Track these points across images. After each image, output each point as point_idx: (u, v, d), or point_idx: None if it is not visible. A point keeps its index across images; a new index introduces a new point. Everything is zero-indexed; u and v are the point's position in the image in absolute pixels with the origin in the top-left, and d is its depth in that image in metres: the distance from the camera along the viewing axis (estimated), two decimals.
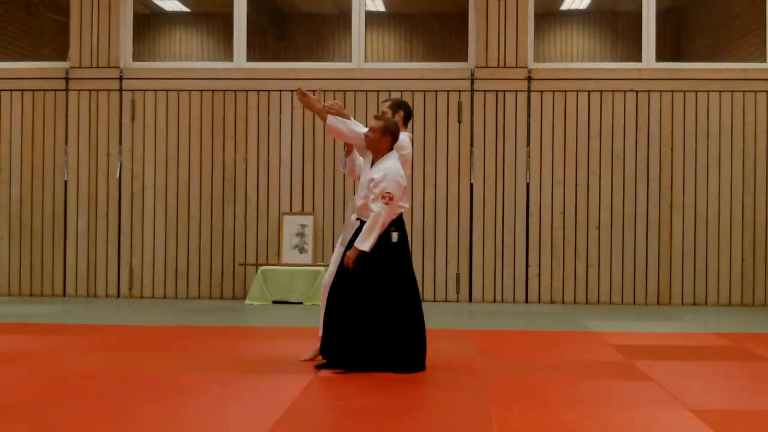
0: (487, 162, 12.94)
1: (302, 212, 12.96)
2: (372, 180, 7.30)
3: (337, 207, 13.05)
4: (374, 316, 7.26)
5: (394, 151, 7.43)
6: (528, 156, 12.93)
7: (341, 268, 7.39)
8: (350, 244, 7.36)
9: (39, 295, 13.27)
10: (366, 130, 7.41)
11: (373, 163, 7.43)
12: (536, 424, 5.70)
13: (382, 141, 7.36)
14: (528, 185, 12.93)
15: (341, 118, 7.50)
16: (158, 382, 7.03)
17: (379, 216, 7.20)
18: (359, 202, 7.41)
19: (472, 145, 12.94)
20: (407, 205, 7.51)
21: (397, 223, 7.37)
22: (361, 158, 7.70)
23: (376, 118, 7.48)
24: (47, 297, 13.20)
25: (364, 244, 7.19)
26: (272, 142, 13.17)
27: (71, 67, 13.32)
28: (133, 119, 13.24)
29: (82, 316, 11.12)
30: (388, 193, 7.22)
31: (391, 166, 7.34)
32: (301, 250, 12.76)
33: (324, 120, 7.51)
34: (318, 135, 13.10)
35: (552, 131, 12.94)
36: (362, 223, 7.34)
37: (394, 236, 7.33)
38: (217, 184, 13.17)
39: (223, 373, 7.35)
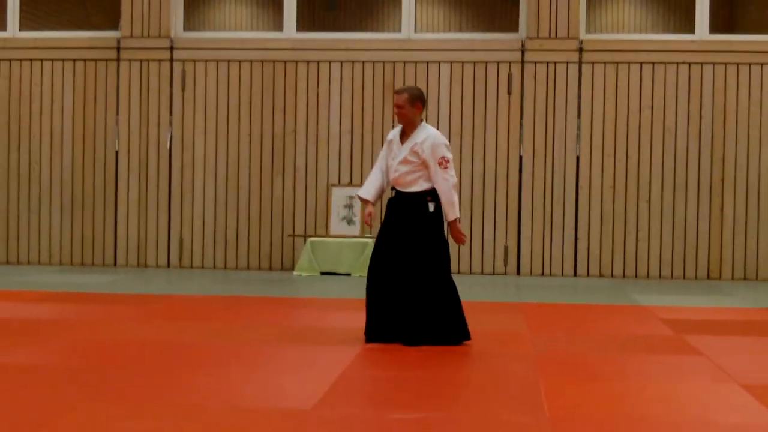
0: (536, 134, 12.87)
1: (350, 184, 12.97)
2: (415, 144, 7.36)
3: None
4: (415, 287, 7.30)
5: (427, 125, 7.50)
6: (578, 128, 12.85)
7: (379, 242, 7.49)
8: (395, 221, 7.44)
9: (90, 264, 13.41)
10: (449, 180, 7.37)
11: (406, 136, 7.47)
12: (586, 398, 5.70)
13: (413, 110, 7.42)
14: (578, 158, 12.85)
15: (453, 205, 7.38)
16: (210, 352, 7.10)
17: (448, 183, 7.32)
18: (395, 174, 7.48)
19: (521, 117, 12.87)
20: None
21: (433, 194, 7.38)
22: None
23: (397, 92, 7.50)
24: (98, 267, 13.34)
25: (453, 212, 7.33)
26: (321, 114, 13.18)
27: (122, 37, 13.40)
28: (183, 90, 13.30)
29: (133, 286, 11.24)
30: (442, 157, 7.32)
31: (430, 132, 7.42)
32: (350, 222, 12.79)
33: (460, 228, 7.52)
34: (366, 107, 13.10)
35: (603, 103, 12.84)
36: (398, 193, 7.45)
37: (431, 206, 7.38)
38: (267, 155, 13.22)
39: (274, 344, 7.40)
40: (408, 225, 7.39)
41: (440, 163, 7.33)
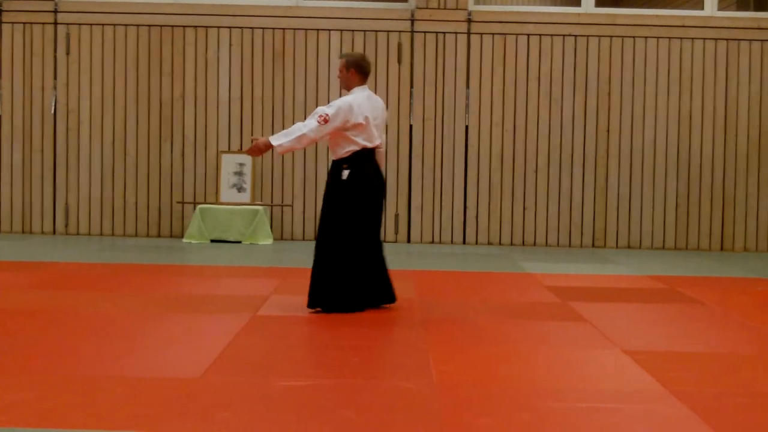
0: (426, 103, 12.95)
1: (240, 151, 12.88)
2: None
3: None
4: (321, 253, 7.40)
5: (363, 87, 7.52)
6: (467, 98, 12.96)
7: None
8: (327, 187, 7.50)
9: None
10: (307, 124, 7.33)
11: None
12: (472, 364, 5.77)
13: (348, 76, 7.51)
14: (467, 127, 12.97)
15: (284, 137, 7.34)
16: (95, 320, 6.99)
17: (304, 126, 7.27)
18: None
19: (411, 87, 12.92)
20: (368, 145, 7.44)
21: (350, 161, 7.39)
22: None
23: (339, 57, 7.67)
24: None
25: (276, 139, 7.27)
26: (210, 80, 13.04)
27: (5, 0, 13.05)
28: (68, 53, 13.01)
29: (16, 253, 11.00)
30: (325, 114, 7.27)
31: (345, 97, 7.44)
32: (240, 189, 12.70)
33: (265, 150, 7.43)
34: (256, 74, 13.00)
35: (492, 74, 12.96)
36: (333, 162, 7.47)
37: (344, 174, 7.39)
38: (155, 121, 13.03)
39: (161, 312, 7.33)
40: (326, 192, 7.51)
41: (319, 115, 7.28)
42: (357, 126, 7.35)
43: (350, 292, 7.40)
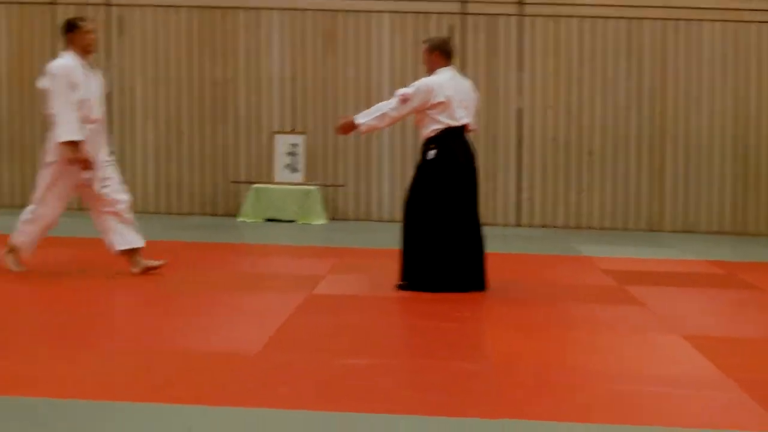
0: (479, 86, 12.82)
1: (293, 131, 12.89)
2: None
3: (328, 126, 12.96)
4: (406, 232, 7.46)
5: (447, 68, 7.57)
6: (520, 81, 12.86)
7: None
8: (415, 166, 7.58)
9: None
10: (388, 104, 7.55)
11: None
12: (528, 347, 5.74)
13: (432, 58, 7.59)
14: (520, 110, 12.88)
15: (367, 115, 7.55)
16: (152, 297, 7.05)
17: (385, 105, 7.51)
18: None
19: (463, 70, 12.83)
20: (453, 123, 7.44)
21: (437, 141, 7.41)
22: None
23: (423, 42, 7.86)
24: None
25: (360, 118, 7.51)
26: (262, 61, 13.05)
27: None
28: (121, 35, 13.08)
29: (74, 230, 11.08)
30: (405, 93, 7.43)
31: (426, 78, 7.55)
32: (293, 170, 12.72)
33: (351, 129, 7.62)
34: (308, 56, 12.99)
35: (544, 56, 12.85)
36: (423, 143, 7.50)
37: (430, 153, 7.42)
38: (208, 102, 13.06)
39: (218, 289, 7.36)
40: (414, 171, 7.61)
41: (400, 95, 7.43)
42: (439, 105, 7.39)
43: (434, 272, 7.37)
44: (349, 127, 7.57)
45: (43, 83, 7.66)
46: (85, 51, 7.71)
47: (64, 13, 13.03)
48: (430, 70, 7.59)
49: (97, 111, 7.75)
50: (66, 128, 7.49)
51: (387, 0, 12.95)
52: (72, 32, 7.69)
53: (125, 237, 7.83)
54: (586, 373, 5.15)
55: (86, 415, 4.13)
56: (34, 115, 13.17)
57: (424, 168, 7.48)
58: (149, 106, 13.09)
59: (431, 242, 7.37)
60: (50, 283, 7.46)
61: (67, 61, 7.64)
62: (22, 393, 4.37)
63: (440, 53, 7.59)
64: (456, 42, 12.72)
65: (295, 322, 6.21)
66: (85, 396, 4.37)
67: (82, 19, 7.84)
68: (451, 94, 7.44)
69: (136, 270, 7.80)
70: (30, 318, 6.19)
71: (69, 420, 4.07)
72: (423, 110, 7.43)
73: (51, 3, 13.09)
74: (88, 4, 13.04)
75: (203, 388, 4.57)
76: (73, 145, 7.51)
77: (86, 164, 7.56)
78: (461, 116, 7.48)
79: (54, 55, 12.94)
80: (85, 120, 7.61)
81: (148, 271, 7.83)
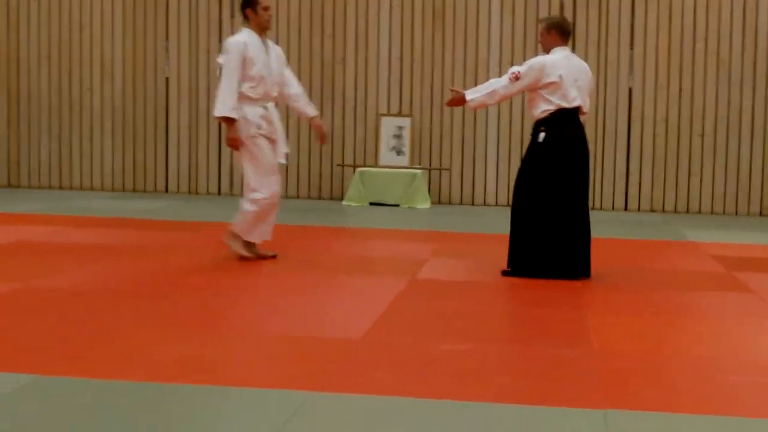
0: (589, 64, 12.63)
1: (399, 114, 12.92)
2: None
3: (435, 109, 12.97)
4: (516, 217, 7.42)
5: (563, 47, 7.48)
6: (631, 59, 12.66)
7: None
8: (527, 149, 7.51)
9: (142, 190, 13.51)
10: (499, 80, 7.51)
11: None
12: (633, 334, 5.68)
13: (549, 37, 7.50)
14: (630, 90, 12.68)
15: (477, 92, 7.50)
16: (258, 280, 7.16)
17: (496, 82, 7.47)
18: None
19: (573, 47, 12.67)
20: (565, 105, 7.33)
21: (547, 123, 7.33)
22: None
23: (539, 21, 7.87)
24: (150, 193, 13.44)
25: (470, 93, 7.46)
26: (371, 41, 13.09)
27: None
28: (232, 17, 13.25)
29: (184, 213, 11.32)
30: (516, 72, 7.35)
31: (539, 57, 7.49)
32: (399, 152, 12.75)
33: (460, 103, 7.58)
34: (416, 34, 12.98)
35: (657, 34, 12.62)
36: (534, 124, 7.42)
37: (541, 136, 7.34)
38: (316, 82, 13.16)
39: (322, 273, 7.44)
40: (525, 154, 7.54)
41: (511, 72, 7.37)
42: (551, 84, 7.29)
43: (542, 258, 7.31)
44: (460, 101, 7.49)
45: (219, 59, 7.79)
46: (261, 28, 7.76)
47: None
48: (547, 50, 7.50)
49: (275, 88, 7.82)
50: (221, 104, 7.61)
51: None
52: (249, 8, 7.74)
53: (257, 228, 7.86)
54: (692, 362, 5.08)
55: (195, 399, 4.23)
56: (146, 100, 13.45)
57: (534, 151, 7.38)
58: None
59: (540, 228, 7.29)
60: (159, 263, 7.64)
61: (242, 37, 7.72)
62: (129, 378, 4.49)
63: (557, 32, 7.47)
64: (567, 17, 12.58)
65: (398, 306, 6.25)
66: (193, 380, 4.46)
67: None
68: (565, 74, 7.31)
69: (248, 255, 7.89)
70: (146, 297, 6.34)
71: (179, 403, 4.17)
72: (535, 89, 7.34)
73: None
74: None
75: (305, 373, 4.64)
76: (228, 122, 7.63)
77: (235, 143, 7.65)
78: (574, 97, 7.35)
79: (166, 37, 13.31)
80: (264, 97, 7.73)
81: (259, 259, 7.90)
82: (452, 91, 7.58)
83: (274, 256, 7.98)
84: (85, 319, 5.66)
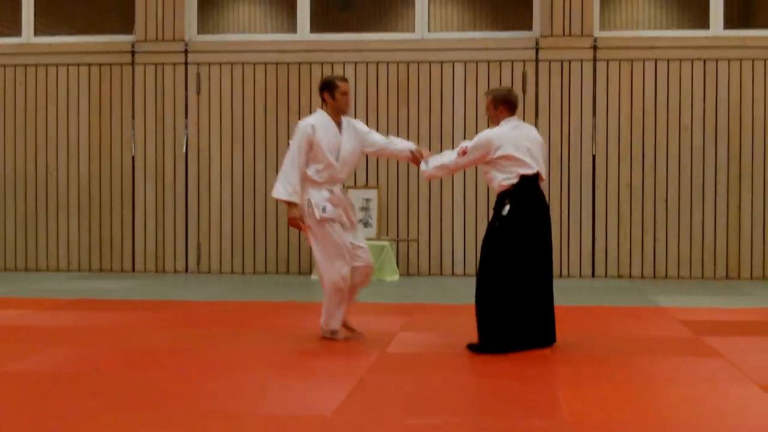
0: (552, 133, 12.83)
1: (366, 186, 12.97)
2: None
3: (401, 180, 13.04)
4: (481, 291, 7.31)
5: (511, 118, 7.49)
6: (594, 127, 12.81)
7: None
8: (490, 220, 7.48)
9: (108, 270, 13.44)
10: (450, 154, 7.57)
11: None
12: (604, 402, 5.68)
13: (496, 111, 7.51)
14: (594, 157, 12.81)
15: (429, 164, 7.60)
16: (228, 358, 7.11)
17: (447, 156, 7.54)
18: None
19: (536, 117, 12.84)
20: (524, 172, 7.36)
21: (512, 195, 7.32)
22: None
23: (485, 94, 7.74)
24: (116, 272, 13.38)
25: (423, 164, 7.61)
26: None
27: (137, 41, 13.43)
28: (198, 93, 13.32)
29: (151, 292, 11.27)
30: (464, 147, 7.40)
31: (487, 131, 7.48)
32: (366, 224, 12.78)
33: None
34: (381, 108, 13.09)
35: (618, 101, 12.80)
36: (497, 195, 7.42)
37: (505, 209, 7.31)
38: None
39: (292, 350, 7.40)
40: (488, 225, 7.51)
41: (461, 148, 7.43)
42: (503, 157, 7.30)
43: (510, 329, 7.22)
44: (417, 163, 7.69)
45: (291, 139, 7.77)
46: (338, 111, 7.71)
47: (142, 72, 13.34)
48: (495, 122, 7.52)
49: (345, 171, 7.74)
50: (281, 187, 7.59)
51: (460, 50, 13.01)
52: (327, 91, 7.72)
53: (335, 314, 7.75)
54: (668, 427, 5.08)
55: None
56: (112, 178, 13.44)
57: (498, 224, 7.34)
58: (225, 162, 13.28)
59: (507, 299, 7.23)
60: (128, 344, 7.58)
61: (313, 120, 7.69)
62: None
63: (504, 105, 7.50)
64: (530, 88, 12.74)
65: (369, 381, 6.23)
66: None
67: (341, 78, 7.75)
68: (515, 145, 7.35)
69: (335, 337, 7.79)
70: (117, 378, 6.28)
71: None
72: (489, 163, 7.35)
73: (131, 63, 13.39)
74: (166, 64, 13.31)
75: None
76: (287, 203, 7.60)
77: (295, 223, 7.61)
78: (530, 165, 7.40)
79: (132, 115, 13.34)
80: (330, 180, 7.65)
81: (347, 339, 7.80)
82: (417, 152, 7.67)
83: (360, 334, 7.85)
84: (51, 404, 5.59)
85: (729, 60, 12.68)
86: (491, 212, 7.56)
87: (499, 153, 7.30)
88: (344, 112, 7.76)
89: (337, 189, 7.71)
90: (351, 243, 7.71)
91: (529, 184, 7.41)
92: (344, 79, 7.76)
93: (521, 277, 7.28)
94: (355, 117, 13.09)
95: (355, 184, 13.02)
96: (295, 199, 7.55)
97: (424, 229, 13.02)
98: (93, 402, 5.67)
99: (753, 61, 12.65)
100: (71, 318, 9.12)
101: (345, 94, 7.68)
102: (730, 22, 13.07)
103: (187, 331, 8.19)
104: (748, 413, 5.51)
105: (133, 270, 13.40)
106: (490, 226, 7.44)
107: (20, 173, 13.58)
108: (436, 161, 7.58)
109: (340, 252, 7.60)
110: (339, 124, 7.72)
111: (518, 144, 7.38)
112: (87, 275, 12.99)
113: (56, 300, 10.39)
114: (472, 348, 7.32)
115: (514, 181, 7.33)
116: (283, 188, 7.57)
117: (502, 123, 7.48)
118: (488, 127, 7.72)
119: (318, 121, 7.66)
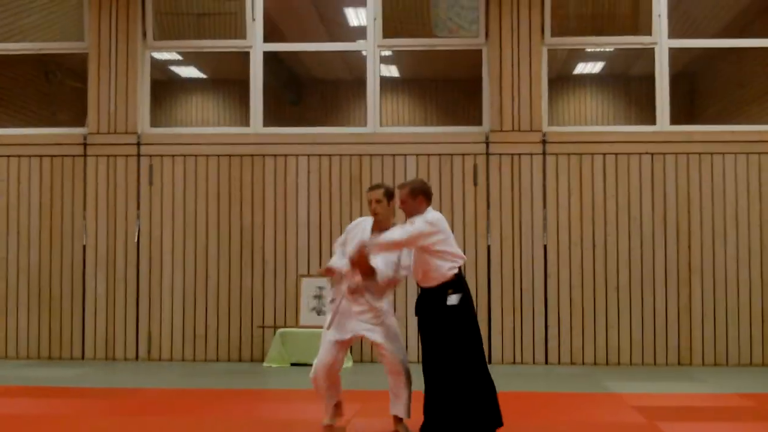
0: (504, 224, 12.95)
1: (319, 273, 12.95)
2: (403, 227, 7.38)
3: None
4: (439, 380, 7.21)
5: (429, 210, 7.45)
6: (545, 218, 12.95)
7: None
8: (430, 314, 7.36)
9: (58, 358, 13.25)
10: (391, 237, 7.38)
11: None
12: None
13: (415, 202, 7.44)
14: (545, 247, 12.93)
15: (380, 268, 7.55)
16: None
17: (397, 233, 7.30)
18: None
19: (488, 208, 12.96)
20: (460, 260, 7.36)
21: (455, 285, 7.27)
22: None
23: (399, 187, 7.59)
24: (66, 360, 13.18)
25: (375, 247, 7.27)
26: (289, 206, 13.21)
27: (89, 133, 13.44)
28: (151, 184, 13.32)
29: (101, 380, 11.11)
30: (420, 230, 7.25)
31: (425, 216, 7.38)
32: (319, 312, 12.74)
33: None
34: (334, 200, 13.16)
35: (568, 193, 12.96)
36: (432, 289, 7.30)
37: (453, 298, 7.24)
38: (235, 247, 13.20)
39: None
40: (433, 319, 7.32)
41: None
42: (441, 242, 7.29)
43: (462, 416, 7.19)
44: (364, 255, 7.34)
45: None
46: (371, 214, 7.73)
47: (94, 164, 13.34)
48: (412, 214, 7.43)
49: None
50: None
51: (412, 144, 13.16)
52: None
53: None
54: None
55: None
56: (63, 267, 13.34)
57: (444, 314, 7.24)
58: (177, 253, 13.23)
59: (459, 386, 7.18)
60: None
61: (359, 220, 7.89)
62: None
63: (424, 196, 7.47)
64: (481, 181, 12.89)
65: None
66: None
67: (372, 186, 7.77)
68: (449, 233, 7.39)
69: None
70: None
71: None
72: (430, 252, 7.26)
73: (83, 155, 13.38)
74: (118, 155, 13.33)
75: None
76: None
77: (329, 272, 7.70)
78: (460, 253, 7.42)
79: (84, 206, 13.30)
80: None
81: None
82: (360, 245, 7.37)
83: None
84: None
85: (676, 154, 12.92)
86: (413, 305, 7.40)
87: (438, 237, 7.26)
88: (374, 215, 7.71)
89: (344, 287, 7.70)
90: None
91: (461, 271, 7.41)
92: (376, 187, 7.74)
93: (472, 362, 7.25)
94: (308, 209, 13.21)
95: (308, 272, 13.01)
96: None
97: None
98: None
99: (700, 155, 12.90)
100: (19, 405, 8.95)
101: (370, 202, 7.70)
102: (676, 118, 13.36)
103: (136, 420, 8.07)
104: None
105: (83, 358, 13.22)
106: (435, 317, 7.29)
107: None
108: (384, 239, 7.32)
109: (327, 343, 7.81)
110: (380, 230, 7.65)
111: (448, 230, 7.42)
112: (36, 363, 12.79)
113: (5, 387, 10.21)
114: None
115: (457, 269, 7.32)
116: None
117: (428, 211, 7.45)
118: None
119: (359, 222, 7.87)
